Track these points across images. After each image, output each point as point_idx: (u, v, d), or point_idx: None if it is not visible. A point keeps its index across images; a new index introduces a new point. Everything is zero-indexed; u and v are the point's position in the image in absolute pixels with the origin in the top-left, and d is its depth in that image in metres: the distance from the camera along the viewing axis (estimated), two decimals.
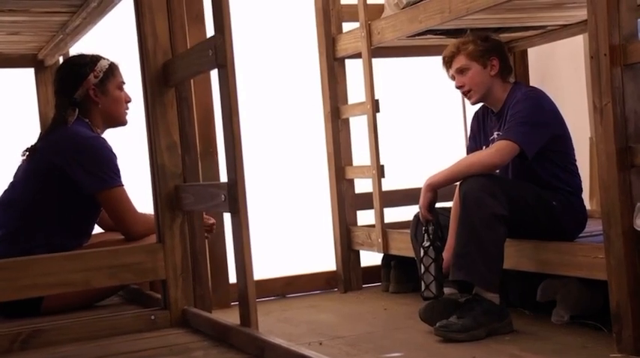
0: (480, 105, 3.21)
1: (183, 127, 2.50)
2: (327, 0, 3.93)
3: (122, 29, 3.08)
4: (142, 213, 2.77)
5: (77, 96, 2.84)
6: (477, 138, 3.20)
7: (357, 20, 3.74)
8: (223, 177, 2.19)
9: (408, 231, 3.19)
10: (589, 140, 3.89)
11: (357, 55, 3.78)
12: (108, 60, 2.90)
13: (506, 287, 3.00)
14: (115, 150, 2.78)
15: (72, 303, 2.67)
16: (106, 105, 2.87)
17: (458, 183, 2.89)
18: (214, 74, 2.05)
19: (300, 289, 3.95)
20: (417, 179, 3.03)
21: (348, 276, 3.94)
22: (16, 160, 2.91)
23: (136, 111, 2.70)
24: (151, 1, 2.34)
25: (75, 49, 3.21)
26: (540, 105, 2.93)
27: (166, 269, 2.36)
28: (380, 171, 3.66)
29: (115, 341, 2.24)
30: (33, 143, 2.88)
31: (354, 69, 3.93)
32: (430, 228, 2.90)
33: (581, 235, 3.01)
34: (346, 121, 3.98)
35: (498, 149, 2.85)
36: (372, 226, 3.78)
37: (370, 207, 3.78)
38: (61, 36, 3.13)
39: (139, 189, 2.80)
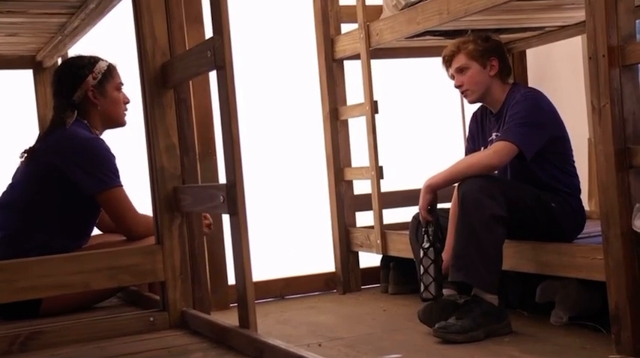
0: (478, 105, 3.21)
1: (181, 129, 2.49)
2: (326, 1, 3.93)
3: (121, 30, 3.08)
4: (142, 214, 2.77)
5: (76, 98, 2.84)
6: (476, 139, 3.20)
7: (355, 21, 3.74)
8: (222, 179, 2.18)
9: (407, 232, 3.19)
10: (587, 141, 3.89)
11: (356, 57, 3.78)
12: (106, 61, 2.90)
13: (505, 289, 3.00)
14: (113, 151, 2.78)
15: (71, 305, 2.67)
16: (105, 106, 2.87)
17: (456, 184, 2.90)
18: (213, 75, 2.05)
19: (299, 290, 3.95)
20: (415, 180, 3.04)
21: (347, 278, 3.94)
22: (14, 162, 2.91)
23: (135, 113, 2.70)
24: (149, 3, 2.34)
25: (73, 51, 3.21)
26: (539, 106, 2.93)
27: (165, 270, 2.36)
28: (379, 173, 3.66)
29: (114, 342, 2.24)
30: (31, 144, 2.88)
31: (352, 70, 3.93)
32: (430, 230, 2.89)
33: (579, 236, 3.01)
34: (345, 122, 3.98)
35: (497, 150, 2.86)
36: (371, 227, 3.78)
37: (369, 208, 3.78)
38: (60, 37, 3.13)
39: (137, 191, 2.80)
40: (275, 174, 4.33)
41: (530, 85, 4.11)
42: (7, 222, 2.77)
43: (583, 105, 4.02)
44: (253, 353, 1.90)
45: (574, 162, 3.06)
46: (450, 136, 4.67)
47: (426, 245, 2.89)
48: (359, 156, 3.93)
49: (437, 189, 2.91)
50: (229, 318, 2.28)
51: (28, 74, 3.70)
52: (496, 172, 2.98)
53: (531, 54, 4.31)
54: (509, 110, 2.95)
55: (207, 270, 3.24)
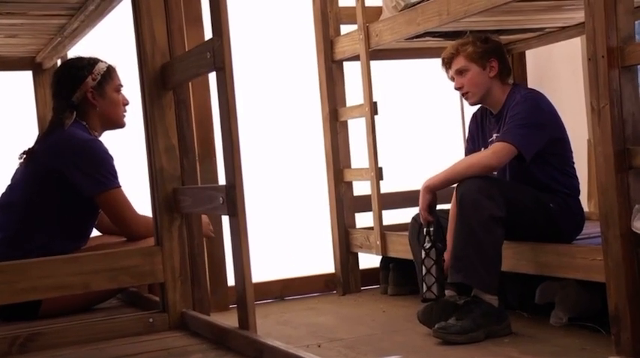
0: (478, 106, 3.21)
1: (181, 130, 2.49)
2: (325, 2, 3.93)
3: (120, 32, 3.08)
4: (141, 215, 2.77)
5: (75, 99, 2.84)
6: (476, 140, 3.20)
7: (355, 23, 3.74)
8: (222, 180, 2.18)
9: (407, 233, 3.19)
10: (587, 142, 3.89)
11: (356, 58, 3.78)
12: (106, 62, 2.90)
13: (504, 290, 3.00)
14: (112, 152, 2.78)
15: (70, 306, 2.66)
16: (104, 107, 2.87)
17: (455, 184, 2.90)
18: (213, 77, 2.05)
19: (299, 291, 3.95)
20: (415, 181, 3.04)
21: (346, 279, 3.94)
22: (13, 163, 2.91)
23: (134, 114, 2.70)
24: (149, 4, 2.34)
25: (73, 52, 3.21)
26: (539, 107, 2.93)
27: (165, 272, 2.36)
28: (378, 174, 3.66)
29: (114, 343, 2.24)
30: (31, 146, 2.88)
31: (352, 71, 3.93)
32: (431, 230, 2.90)
33: (579, 237, 3.01)
34: (344, 124, 3.98)
35: (495, 151, 2.86)
36: (371, 228, 3.78)
37: (369, 209, 3.78)
38: (59, 39, 3.13)
39: (137, 192, 2.80)
40: (274, 175, 4.32)
41: (529, 86, 4.11)
42: (7, 223, 2.77)
43: (582, 107, 4.02)
44: (253, 354, 1.90)
45: (574, 163, 3.06)
46: (450, 137, 4.67)
47: (427, 245, 2.88)
48: (358, 157, 3.93)
49: (436, 190, 2.91)
50: (229, 319, 2.27)
51: (27, 75, 3.70)
52: (495, 173, 2.99)
53: (531, 55, 4.31)
54: (509, 111, 2.95)
55: (207, 271, 3.23)
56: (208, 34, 2.16)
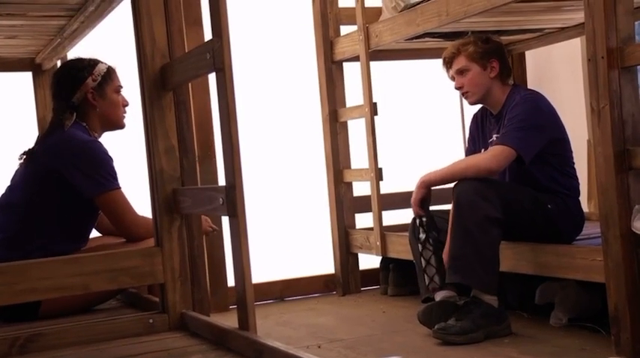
0: (478, 107, 3.21)
1: (181, 131, 2.49)
2: (325, 3, 3.93)
3: (120, 33, 3.08)
4: (141, 216, 2.77)
5: (75, 100, 2.84)
6: (476, 141, 3.20)
7: (354, 23, 3.74)
8: (222, 181, 2.18)
9: (407, 233, 3.18)
10: (587, 143, 3.89)
11: (355, 58, 3.78)
12: (106, 64, 2.90)
13: (504, 290, 3.00)
14: (111, 153, 2.78)
15: (70, 307, 2.66)
16: (104, 108, 2.87)
17: (453, 184, 2.90)
18: (212, 78, 2.05)
19: (299, 292, 3.95)
20: (415, 182, 3.03)
21: (346, 279, 3.94)
22: (13, 164, 2.91)
23: (134, 115, 2.70)
24: (148, 5, 2.34)
25: (73, 53, 3.21)
26: (539, 108, 2.93)
27: (164, 272, 2.36)
28: (378, 174, 3.66)
29: (113, 344, 2.24)
30: (30, 146, 2.88)
31: (352, 72, 3.93)
32: (424, 221, 2.90)
33: (579, 238, 3.01)
34: (344, 124, 3.98)
35: (495, 154, 2.85)
36: (371, 229, 3.78)
37: (368, 209, 3.78)
38: (59, 40, 3.13)
39: (137, 193, 2.80)
40: (274, 175, 4.32)
41: (529, 87, 4.11)
42: (7, 223, 2.78)
43: (582, 107, 4.02)
44: (253, 355, 1.90)
45: (574, 164, 3.06)
46: (450, 138, 4.67)
47: (422, 236, 2.89)
48: (358, 157, 3.93)
49: (431, 186, 2.92)
50: (229, 320, 2.27)
51: (27, 76, 3.70)
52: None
53: (531, 55, 4.31)
54: (508, 112, 2.95)
55: (207, 272, 3.24)
56: (208, 35, 2.17)
